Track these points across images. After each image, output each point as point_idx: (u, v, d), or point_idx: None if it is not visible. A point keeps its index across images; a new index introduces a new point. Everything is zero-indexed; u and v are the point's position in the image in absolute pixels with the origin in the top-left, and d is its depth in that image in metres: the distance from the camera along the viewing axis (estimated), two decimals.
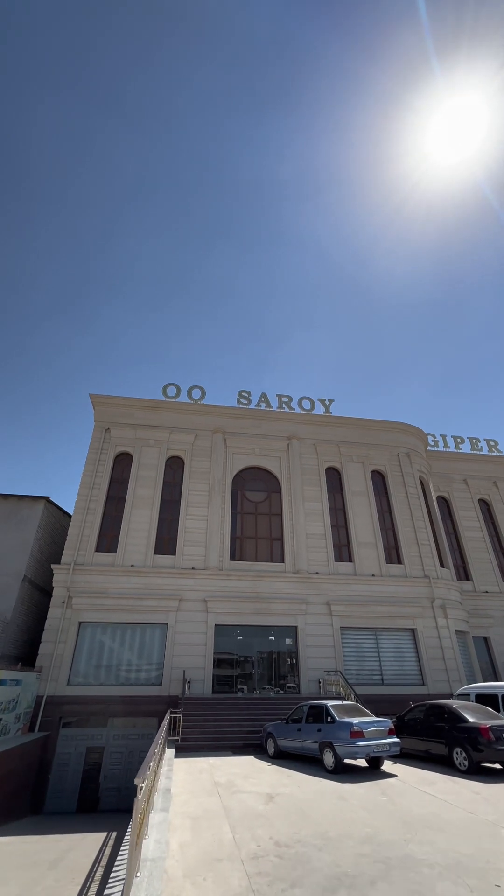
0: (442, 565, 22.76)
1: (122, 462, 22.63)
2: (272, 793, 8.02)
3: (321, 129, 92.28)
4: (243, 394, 25.58)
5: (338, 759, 9.55)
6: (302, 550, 20.95)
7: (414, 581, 21.14)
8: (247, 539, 21.46)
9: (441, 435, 29.92)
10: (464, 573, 25.15)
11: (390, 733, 9.95)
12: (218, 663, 18.24)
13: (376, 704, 16.16)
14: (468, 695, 13.03)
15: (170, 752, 11.39)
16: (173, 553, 20.14)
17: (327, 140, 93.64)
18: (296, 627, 19.23)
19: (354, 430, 25.50)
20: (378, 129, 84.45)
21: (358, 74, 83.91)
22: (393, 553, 22.30)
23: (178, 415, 24.13)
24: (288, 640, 19.26)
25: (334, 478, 24.10)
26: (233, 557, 20.68)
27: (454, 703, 10.69)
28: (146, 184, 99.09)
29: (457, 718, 10.15)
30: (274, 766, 10.47)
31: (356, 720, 9.80)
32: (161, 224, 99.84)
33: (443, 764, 10.31)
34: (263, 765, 10.73)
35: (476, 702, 12.47)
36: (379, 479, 24.58)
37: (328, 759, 9.78)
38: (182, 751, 12.42)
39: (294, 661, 18.88)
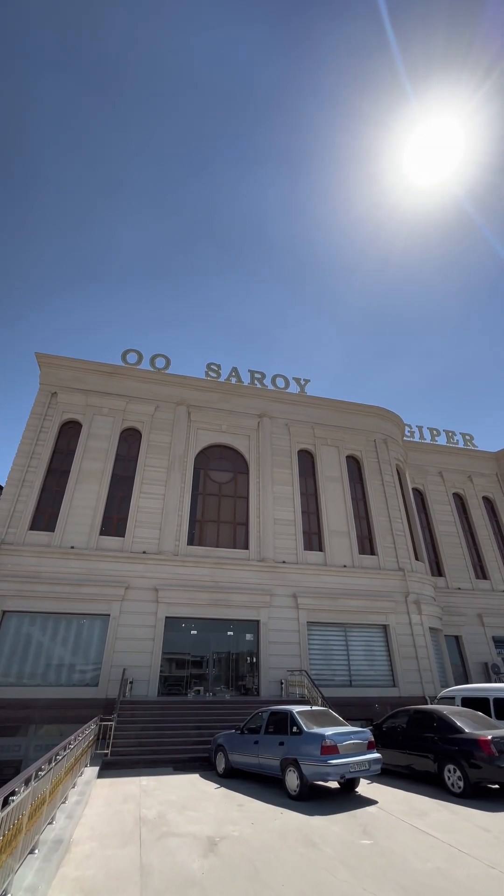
0: (416, 558, 21.28)
1: (70, 431, 19.84)
2: (216, 835, 5.81)
3: (297, 150, 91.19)
4: (212, 366, 23.31)
5: (304, 782, 7.46)
6: (269, 537, 18.88)
7: (388, 574, 19.50)
8: (208, 523, 19.17)
9: (417, 426, 28.73)
10: (436, 569, 23.85)
11: (370, 747, 7.96)
12: (167, 662, 15.86)
13: (343, 708, 14.24)
14: (452, 698, 11.30)
15: (90, 772, 8.96)
16: (122, 535, 17.58)
17: (305, 160, 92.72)
18: (258, 622, 17.12)
19: (330, 411, 23.72)
20: (357, 148, 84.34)
21: (332, 94, 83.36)
22: (366, 543, 20.61)
23: (137, 383, 21.56)
24: (248, 636, 17.11)
25: (307, 461, 22.21)
26: (191, 542, 18.35)
27: (444, 710, 8.85)
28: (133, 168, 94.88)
29: (449, 728, 8.29)
30: (222, 790, 8.26)
31: (328, 731, 7.75)
32: (145, 214, 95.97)
33: (430, 783, 8.43)
34: (210, 787, 8.50)
35: (463, 707, 10.75)
36: (354, 465, 22.90)
37: (292, 780, 7.68)
38: (112, 768, 10.01)
39: (255, 659, 16.75)
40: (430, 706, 9.30)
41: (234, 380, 23.21)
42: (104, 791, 8.14)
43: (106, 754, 10.40)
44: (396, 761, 9.10)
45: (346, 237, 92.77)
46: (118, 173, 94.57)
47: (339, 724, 8.46)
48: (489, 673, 21.15)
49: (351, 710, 14.71)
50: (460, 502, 27.16)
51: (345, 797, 7.73)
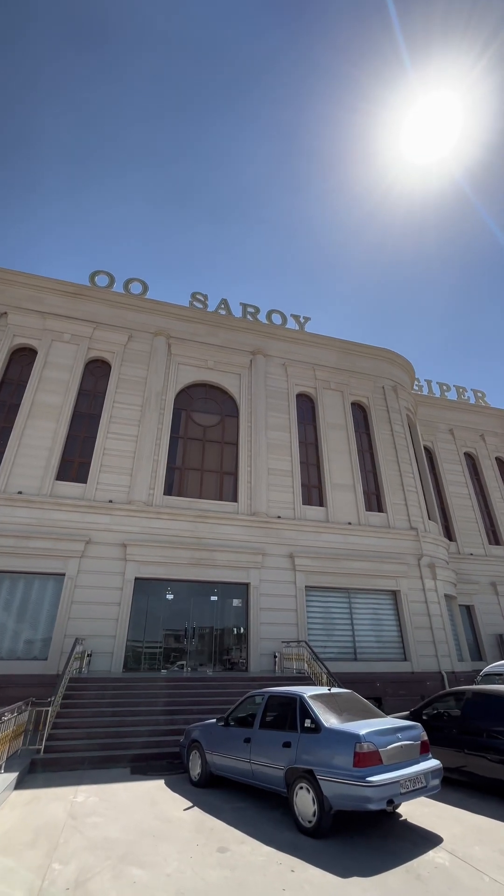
0: (429, 518, 18.65)
1: (22, 359, 16.38)
2: None
3: (291, 124, 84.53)
4: (198, 296, 19.86)
5: (324, 809, 4.66)
6: (261, 489, 15.94)
7: (398, 533, 16.81)
8: (189, 471, 16.12)
9: (426, 380, 25.85)
10: (447, 533, 21.32)
11: (423, 751, 5.17)
12: (136, 631, 13.02)
13: (347, 686, 11.61)
14: (500, 675, 8.66)
15: (3, 780, 6.04)
16: (84, 481, 14.45)
17: (299, 136, 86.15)
18: (247, 585, 14.32)
19: (334, 352, 20.58)
20: (354, 124, 78.42)
21: (330, 67, 76.61)
22: (373, 500, 17.85)
23: (107, 307, 18.04)
24: (236, 602, 14.34)
25: (307, 406, 19.17)
26: (168, 492, 15.31)
27: None
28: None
29: None
30: (195, 814, 5.44)
31: (362, 727, 4.91)
32: (142, 190, 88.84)
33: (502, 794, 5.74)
34: (176, 808, 5.67)
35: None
36: (360, 413, 19.95)
37: (304, 805, 4.87)
38: (44, 770, 7.15)
39: (243, 629, 14.02)
40: (496, 687, 6.55)
41: (223, 312, 19.84)
42: (10, 817, 5.23)
43: (38, 750, 7.52)
44: (447, 763, 6.38)
45: (344, 213, 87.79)
46: (114, 132, 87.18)
47: (370, 713, 5.65)
48: (503, 645, 18.92)
49: (356, 688, 12.12)
50: (472, 462, 24.56)
51: (388, 827, 4.96)
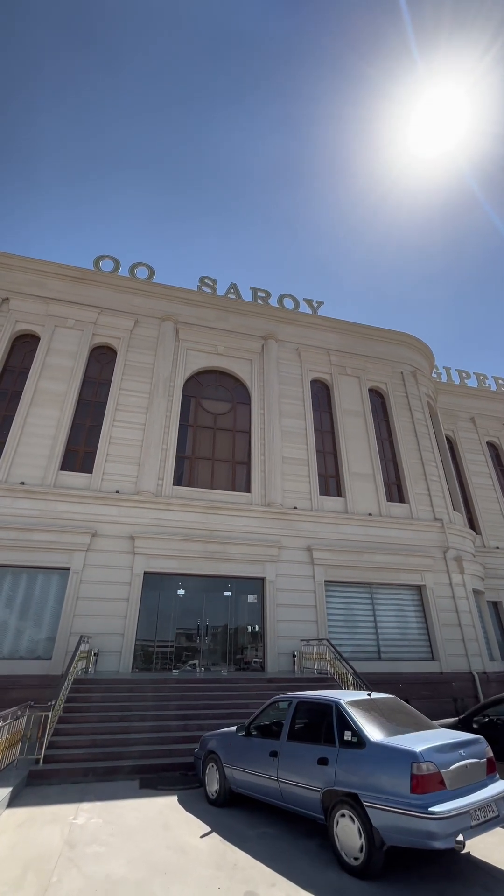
0: (454, 508, 17.60)
1: (24, 346, 15.71)
2: None
3: (300, 117, 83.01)
4: (206, 280, 19.03)
5: (374, 845, 3.78)
6: (276, 478, 15.07)
7: (422, 524, 15.82)
8: (200, 460, 15.31)
9: (444, 367, 24.70)
10: (471, 525, 20.22)
11: (489, 770, 4.26)
12: (145, 629, 12.25)
13: (372, 687, 10.68)
14: None
15: None
16: (90, 471, 13.72)
17: (307, 128, 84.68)
18: (263, 579, 13.47)
19: (348, 337, 19.61)
20: (360, 118, 76.81)
21: (337, 60, 74.88)
22: (394, 490, 16.86)
23: (112, 292, 17.30)
24: (251, 598, 13.50)
25: (322, 393, 18.24)
26: (178, 482, 14.52)
27: None
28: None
29: None
30: (214, 842, 4.60)
31: (419, 744, 4.02)
32: (144, 176, 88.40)
33: None
34: (191, 834, 4.84)
35: None
36: (378, 399, 18.95)
37: (349, 837, 4.01)
38: (42, 783, 6.38)
39: (259, 627, 13.18)
40: None
41: (232, 296, 18.99)
42: (2, 840, 4.45)
43: (37, 760, 6.75)
44: None
45: (350, 206, 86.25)
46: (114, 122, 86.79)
47: (420, 724, 4.76)
48: None
49: (379, 689, 11.16)
50: (495, 453, 23.39)
51: (448, 864, 4.07)
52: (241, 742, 5.59)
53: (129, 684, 9.47)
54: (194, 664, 12.34)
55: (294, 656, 12.40)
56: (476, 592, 15.82)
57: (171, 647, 12.42)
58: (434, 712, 12.09)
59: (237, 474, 15.34)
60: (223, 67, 79.16)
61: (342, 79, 75.74)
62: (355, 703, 4.74)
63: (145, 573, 12.55)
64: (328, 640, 11.59)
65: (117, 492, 13.37)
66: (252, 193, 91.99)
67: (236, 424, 16.30)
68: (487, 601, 17.98)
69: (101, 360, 16.16)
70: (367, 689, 9.38)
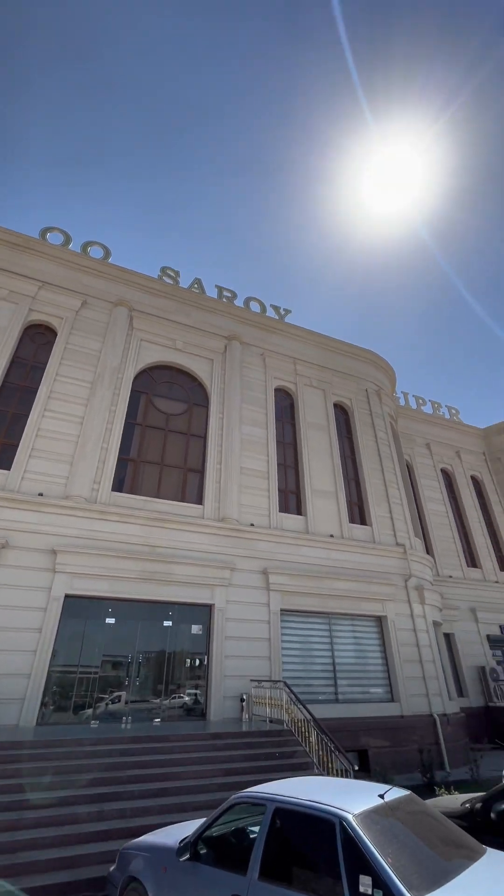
0: (414, 534, 16.82)
1: None
2: None
3: (249, 160, 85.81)
4: (168, 271, 17.39)
5: None
6: (232, 491, 13.37)
7: (384, 549, 14.76)
8: (146, 464, 13.27)
9: (403, 392, 24.69)
10: (427, 552, 19.64)
11: None
12: (64, 666, 9.81)
13: (334, 740, 9.05)
14: None
15: None
16: (7, 467, 11.22)
17: (264, 170, 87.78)
18: (211, 607, 11.54)
19: (315, 348, 18.70)
20: (315, 167, 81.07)
21: (290, 111, 78.87)
22: (356, 511, 15.76)
23: (58, 267, 15.10)
24: (195, 629, 11.48)
25: (285, 403, 16.98)
26: (118, 488, 12.36)
27: None
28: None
29: None
30: None
31: None
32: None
33: None
34: None
35: None
36: (342, 415, 18.04)
37: None
38: None
39: (204, 661, 11.17)
40: None
41: (196, 290, 17.46)
42: None
43: None
44: None
45: (310, 246, 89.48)
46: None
47: (459, 845, 3.18)
48: (486, 679, 17.21)
49: (340, 737, 9.57)
50: (448, 481, 23.39)
51: None
52: (183, 870, 3.67)
53: (28, 748, 7.08)
54: (123, 714, 10.03)
55: (242, 700, 10.49)
56: (435, 624, 14.89)
57: (91, 689, 10.01)
58: (397, 764, 10.69)
59: (189, 483, 13.45)
60: (190, 107, 79.82)
61: (300, 130, 79.19)
62: (370, 820, 3.07)
63: (67, 596, 10.18)
64: (285, 683, 9.83)
65: (40, 494, 10.97)
66: (215, 226, 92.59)
67: (191, 428, 14.50)
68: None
69: (38, 341, 13.80)
70: (331, 742, 7.75)
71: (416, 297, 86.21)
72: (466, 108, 66.64)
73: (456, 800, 5.42)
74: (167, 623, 11.32)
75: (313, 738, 8.32)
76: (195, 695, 10.90)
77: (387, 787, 3.68)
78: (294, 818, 3.34)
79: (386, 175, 71.85)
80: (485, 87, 65.32)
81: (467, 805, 4.91)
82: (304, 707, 8.88)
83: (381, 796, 3.45)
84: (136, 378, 14.41)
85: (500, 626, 19.24)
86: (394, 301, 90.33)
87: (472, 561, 21.10)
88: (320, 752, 8.12)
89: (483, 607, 19.24)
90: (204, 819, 4.14)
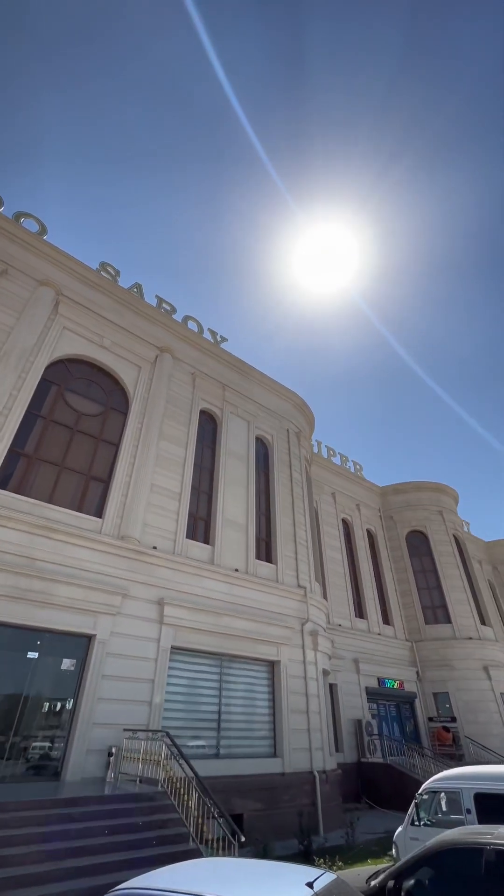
0: (315, 578, 16.80)
1: None
2: None
3: (188, 239, 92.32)
4: (108, 267, 16.32)
5: None
6: (139, 507, 12.08)
7: (286, 590, 14.39)
8: (43, 463, 11.45)
9: (316, 440, 25.79)
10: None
11: None
12: None
13: (215, 802, 7.88)
14: (455, 791, 6.33)
15: None
16: None
17: (191, 260, 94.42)
18: (91, 638, 9.85)
19: (245, 379, 18.67)
20: (246, 248, 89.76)
21: (215, 195, 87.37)
22: (263, 547, 15.32)
23: None
24: (67, 664, 9.63)
25: (209, 427, 16.38)
26: (3, 485, 10.36)
27: None
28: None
29: None
30: None
31: None
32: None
33: None
34: None
35: (478, 807, 5.91)
36: (262, 449, 17.95)
37: None
38: None
39: (68, 705, 9.28)
40: None
41: (135, 293, 16.55)
42: None
43: None
44: None
45: (251, 313, 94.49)
46: None
47: None
48: (361, 733, 17.25)
49: (225, 797, 8.41)
50: (347, 530, 24.42)
51: None
52: None
53: None
54: None
55: (110, 755, 8.81)
56: (325, 672, 14.64)
57: None
58: (275, 828, 9.73)
59: (90, 492, 11.85)
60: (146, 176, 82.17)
61: (224, 213, 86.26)
62: None
63: None
64: (167, 733, 8.48)
65: None
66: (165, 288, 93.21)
67: (104, 432, 13.07)
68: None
69: None
70: (214, 806, 6.67)
71: (346, 353, 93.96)
72: (385, 202, 77.78)
73: (357, 875, 4.77)
74: (31, 654, 9.33)
75: (193, 802, 7.10)
76: (48, 748, 8.91)
77: (316, 870, 2.92)
78: None
79: (317, 260, 79.56)
80: (402, 183, 76.92)
81: (374, 883, 4.29)
82: (188, 763, 7.65)
83: (310, 885, 2.69)
84: (49, 366, 12.75)
85: (378, 679, 19.77)
86: (325, 353, 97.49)
87: (361, 611, 21.79)
88: (199, 820, 6.93)
89: (365, 658, 19.69)
90: None
